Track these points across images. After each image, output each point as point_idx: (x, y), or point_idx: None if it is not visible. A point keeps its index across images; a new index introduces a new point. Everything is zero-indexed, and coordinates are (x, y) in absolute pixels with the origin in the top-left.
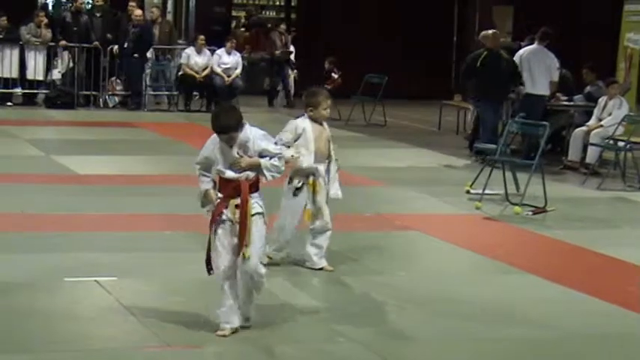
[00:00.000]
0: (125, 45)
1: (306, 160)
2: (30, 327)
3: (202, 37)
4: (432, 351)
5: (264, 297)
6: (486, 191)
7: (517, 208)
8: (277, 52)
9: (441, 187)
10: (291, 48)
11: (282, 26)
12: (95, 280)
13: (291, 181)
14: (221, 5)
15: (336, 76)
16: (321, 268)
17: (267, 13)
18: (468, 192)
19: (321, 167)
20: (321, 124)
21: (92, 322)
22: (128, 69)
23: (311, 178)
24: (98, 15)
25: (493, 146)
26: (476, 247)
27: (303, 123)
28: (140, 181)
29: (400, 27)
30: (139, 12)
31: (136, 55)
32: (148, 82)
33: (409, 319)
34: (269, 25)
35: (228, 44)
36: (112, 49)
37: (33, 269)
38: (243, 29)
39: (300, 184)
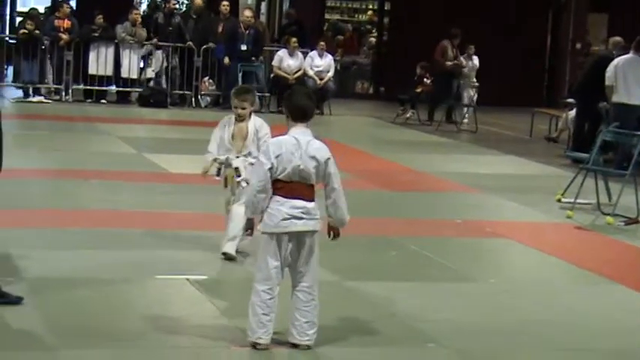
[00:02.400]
0: (244, 47)
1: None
2: (121, 322)
3: (295, 39)
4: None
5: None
6: (578, 200)
7: (609, 219)
8: (449, 63)
9: (532, 194)
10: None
11: (457, 37)
12: (186, 278)
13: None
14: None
15: (428, 81)
16: (223, 254)
17: (360, 16)
18: (559, 200)
19: (237, 160)
20: (240, 120)
21: (181, 320)
22: (223, 69)
23: (228, 170)
24: (194, 16)
25: (586, 155)
26: (566, 256)
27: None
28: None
29: (493, 33)
30: (249, 13)
31: (253, 57)
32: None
33: (499, 326)
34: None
35: (320, 46)
36: (206, 49)
37: (125, 266)
38: (329, 33)
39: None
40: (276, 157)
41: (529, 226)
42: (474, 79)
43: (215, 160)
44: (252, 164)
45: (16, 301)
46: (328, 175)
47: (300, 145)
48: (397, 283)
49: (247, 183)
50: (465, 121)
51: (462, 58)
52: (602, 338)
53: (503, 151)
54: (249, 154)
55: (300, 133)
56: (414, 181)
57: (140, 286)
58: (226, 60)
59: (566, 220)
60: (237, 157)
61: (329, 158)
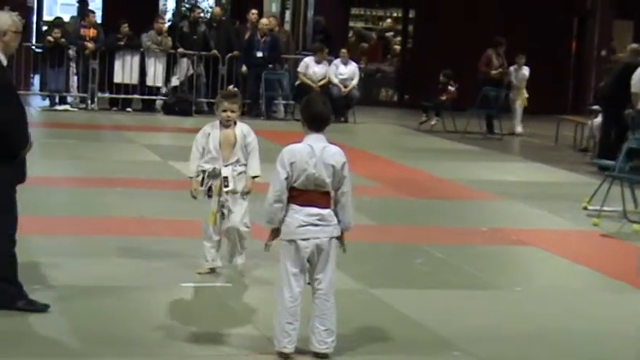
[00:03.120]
0: (259, 54)
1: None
2: (147, 330)
3: (327, 49)
4: None
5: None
6: (604, 208)
7: (636, 226)
8: (493, 71)
9: (558, 202)
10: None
11: (501, 45)
12: (211, 286)
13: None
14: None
15: (452, 88)
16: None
17: (383, 24)
18: (585, 208)
19: (226, 170)
20: (226, 127)
21: (207, 328)
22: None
23: (217, 181)
24: (215, 25)
25: (612, 162)
26: (593, 264)
27: (212, 126)
28: (256, 187)
29: (518, 41)
30: (265, 21)
31: (270, 65)
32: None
33: (525, 334)
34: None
35: (342, 54)
36: (231, 57)
37: (150, 274)
38: (353, 40)
39: (208, 187)
40: (291, 164)
41: (555, 233)
42: (524, 91)
43: (200, 173)
44: (240, 173)
45: (43, 308)
46: (343, 178)
47: (315, 152)
48: (422, 290)
49: (235, 193)
50: (520, 130)
51: (511, 68)
52: (631, 348)
53: (528, 158)
54: (237, 161)
55: (314, 140)
56: (440, 188)
57: (165, 294)
58: (243, 68)
59: (593, 227)
60: (226, 165)
61: (345, 162)
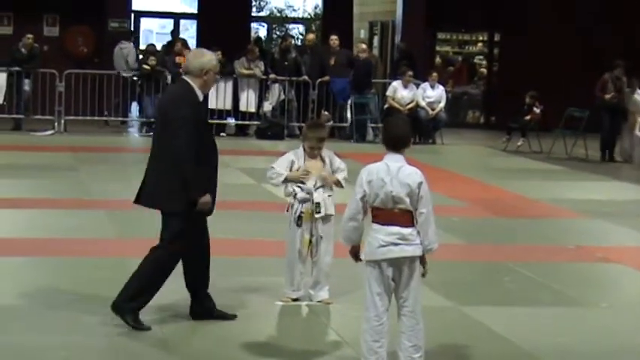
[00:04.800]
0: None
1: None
2: (246, 348)
3: (411, 72)
4: None
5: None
6: None
7: None
8: (607, 96)
9: None
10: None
11: (619, 70)
12: (306, 305)
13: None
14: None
15: (537, 110)
16: (319, 301)
17: (470, 48)
18: None
19: (318, 194)
20: (314, 157)
21: (303, 346)
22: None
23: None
24: (308, 51)
25: None
26: None
27: (296, 155)
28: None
29: (602, 60)
30: (363, 46)
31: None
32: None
33: (610, 350)
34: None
35: (432, 77)
36: (322, 82)
37: (246, 293)
38: (440, 64)
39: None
40: (368, 182)
41: None
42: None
43: (291, 194)
44: (330, 196)
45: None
46: (420, 198)
47: (391, 170)
48: (510, 307)
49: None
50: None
51: (630, 92)
52: None
53: (612, 177)
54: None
55: (391, 159)
56: (526, 207)
57: (259, 313)
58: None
59: None
60: (316, 189)
61: (421, 182)
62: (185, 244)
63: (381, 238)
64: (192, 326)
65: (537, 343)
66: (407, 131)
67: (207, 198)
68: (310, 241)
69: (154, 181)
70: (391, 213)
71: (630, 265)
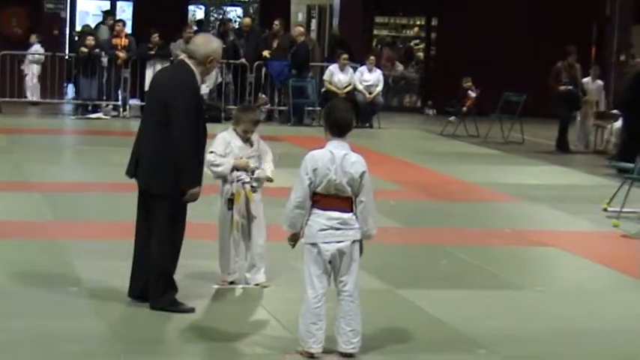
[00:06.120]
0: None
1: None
2: (178, 331)
3: (346, 55)
4: None
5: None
6: (624, 209)
7: None
8: (562, 87)
9: (578, 204)
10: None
11: (572, 57)
12: (242, 288)
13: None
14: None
15: (473, 94)
16: (256, 284)
17: (407, 32)
18: (605, 210)
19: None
20: (246, 140)
21: (237, 328)
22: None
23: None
24: (245, 35)
25: (631, 165)
26: (614, 265)
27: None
28: (278, 192)
29: (539, 46)
30: (301, 29)
31: (293, 71)
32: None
33: (547, 334)
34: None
35: (369, 61)
36: (259, 65)
37: (182, 276)
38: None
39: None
40: (314, 170)
41: (576, 235)
42: (594, 105)
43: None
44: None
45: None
46: (362, 187)
47: (335, 159)
48: (447, 291)
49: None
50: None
51: (585, 80)
52: None
53: (548, 161)
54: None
55: (336, 146)
56: (462, 191)
57: (196, 296)
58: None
59: (613, 228)
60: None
61: (364, 172)
62: (183, 225)
63: (323, 222)
64: (132, 310)
65: (473, 326)
66: (352, 116)
67: (197, 190)
68: (242, 224)
69: (149, 161)
70: (333, 199)
71: (565, 249)
